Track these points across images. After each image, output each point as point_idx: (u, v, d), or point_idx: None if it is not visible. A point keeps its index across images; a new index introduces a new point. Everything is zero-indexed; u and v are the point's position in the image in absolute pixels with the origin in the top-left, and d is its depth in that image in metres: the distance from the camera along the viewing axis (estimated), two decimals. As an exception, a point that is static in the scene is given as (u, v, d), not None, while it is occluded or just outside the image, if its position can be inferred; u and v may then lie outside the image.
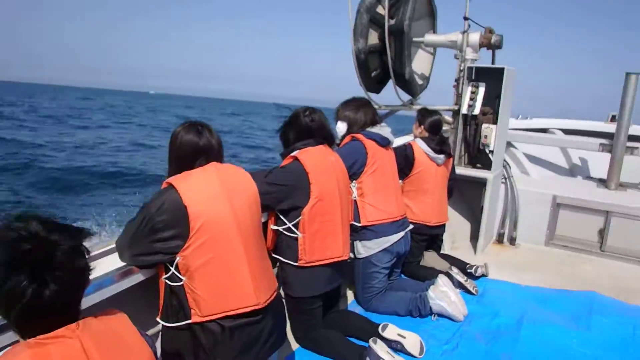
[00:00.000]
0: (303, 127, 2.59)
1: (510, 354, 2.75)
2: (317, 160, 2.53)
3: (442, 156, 3.64)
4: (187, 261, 1.80)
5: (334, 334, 2.68)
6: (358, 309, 3.17)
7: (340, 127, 3.13)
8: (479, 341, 2.88)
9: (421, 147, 3.60)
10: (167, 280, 1.86)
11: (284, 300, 2.48)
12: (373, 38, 3.97)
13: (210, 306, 1.84)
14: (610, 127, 5.16)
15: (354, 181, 2.99)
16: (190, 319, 1.84)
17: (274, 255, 2.56)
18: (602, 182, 5.10)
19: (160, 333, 1.97)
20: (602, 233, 4.42)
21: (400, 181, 3.53)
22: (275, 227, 2.54)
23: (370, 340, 2.51)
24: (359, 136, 3.04)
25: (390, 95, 4.23)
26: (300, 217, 2.46)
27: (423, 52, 4.54)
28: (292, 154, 2.53)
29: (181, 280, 1.83)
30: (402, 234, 3.13)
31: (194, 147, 1.94)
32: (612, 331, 3.04)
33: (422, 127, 3.71)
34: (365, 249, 3.05)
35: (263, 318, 1.97)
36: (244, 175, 2.06)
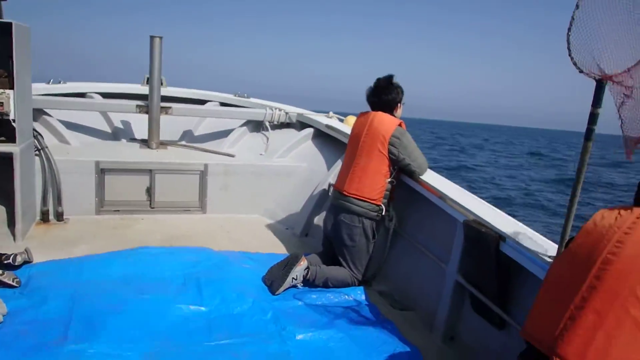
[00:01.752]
0: None
1: (63, 339, 2.48)
2: None
3: None
4: None
5: None
6: None
7: None
8: (27, 337, 2.48)
9: None
10: None
11: None
12: None
13: None
14: (147, 89, 5.30)
15: None
16: None
17: None
18: (145, 143, 5.25)
19: None
20: (150, 191, 4.57)
21: None
22: None
23: None
24: None
25: None
26: None
27: None
28: None
29: None
30: None
31: None
32: (162, 273, 3.21)
33: None
34: None
35: None
36: None
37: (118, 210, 4.52)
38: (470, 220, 2.75)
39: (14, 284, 2.97)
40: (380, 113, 3.46)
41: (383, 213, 3.39)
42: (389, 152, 3.33)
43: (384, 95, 3.47)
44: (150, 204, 4.60)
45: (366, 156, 3.37)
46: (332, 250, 3.53)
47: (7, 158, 3.62)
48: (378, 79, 3.51)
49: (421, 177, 3.43)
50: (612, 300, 1.57)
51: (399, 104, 3.53)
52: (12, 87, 3.55)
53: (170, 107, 5.35)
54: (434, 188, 3.26)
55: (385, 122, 3.39)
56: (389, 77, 3.50)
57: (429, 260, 3.28)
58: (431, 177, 3.44)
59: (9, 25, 3.44)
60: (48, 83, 5.91)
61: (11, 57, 3.48)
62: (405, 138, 3.38)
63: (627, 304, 1.54)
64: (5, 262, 3.15)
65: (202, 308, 2.90)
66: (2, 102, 3.48)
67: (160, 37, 4.97)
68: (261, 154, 5.35)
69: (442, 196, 3.14)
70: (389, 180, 3.39)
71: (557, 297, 1.74)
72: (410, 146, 3.39)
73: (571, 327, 1.63)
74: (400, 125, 3.41)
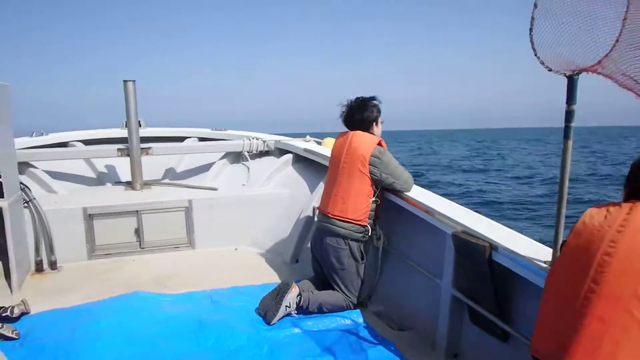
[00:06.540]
0: None
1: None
2: None
3: None
4: None
5: None
6: None
7: None
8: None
9: None
10: None
11: None
12: None
13: None
14: (126, 132, 5.40)
15: None
16: None
17: None
18: (129, 184, 5.34)
19: None
20: (138, 231, 4.64)
21: None
22: None
23: None
24: None
25: None
26: None
27: None
28: None
29: None
30: None
31: None
32: (156, 319, 3.22)
33: None
34: None
35: None
36: None
37: (109, 254, 4.57)
38: (458, 232, 2.70)
39: (13, 336, 3.01)
40: (359, 132, 3.45)
41: (369, 233, 3.41)
42: (370, 172, 3.32)
43: (358, 114, 3.48)
44: (140, 244, 4.67)
45: (347, 177, 3.38)
46: (324, 273, 3.56)
47: None
48: (355, 99, 3.55)
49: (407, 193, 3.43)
50: (614, 305, 1.48)
51: (374, 123, 3.52)
52: (-5, 145, 3.63)
53: (150, 148, 5.45)
54: (419, 202, 3.24)
55: (364, 142, 3.38)
56: (365, 97, 3.53)
57: (423, 276, 3.25)
58: (416, 192, 3.42)
59: None
60: (31, 136, 6.00)
61: None
62: (386, 157, 3.36)
63: (631, 307, 1.46)
64: (4, 314, 3.20)
65: (198, 351, 2.89)
66: (-14, 160, 3.56)
67: (133, 81, 5.09)
68: (243, 185, 5.45)
69: (428, 210, 3.10)
70: (373, 199, 3.38)
71: (558, 307, 1.66)
72: (392, 164, 3.37)
73: (575, 338, 1.54)
74: (379, 144, 3.40)
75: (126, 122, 5.37)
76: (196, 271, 4.29)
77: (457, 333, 2.90)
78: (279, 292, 3.27)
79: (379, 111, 3.57)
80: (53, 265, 4.32)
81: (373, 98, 3.57)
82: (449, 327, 2.89)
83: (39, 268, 4.29)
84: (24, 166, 4.95)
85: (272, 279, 4.07)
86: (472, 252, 2.57)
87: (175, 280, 4.05)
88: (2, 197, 3.70)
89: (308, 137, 5.89)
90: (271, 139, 6.03)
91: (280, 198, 5.09)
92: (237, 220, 4.93)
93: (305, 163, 5.38)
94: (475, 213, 3.00)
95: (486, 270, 2.49)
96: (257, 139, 5.91)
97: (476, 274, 2.59)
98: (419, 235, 3.40)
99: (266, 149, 5.92)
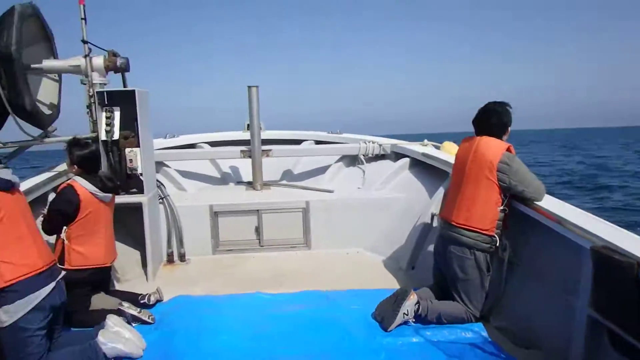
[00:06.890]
0: None
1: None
2: None
3: (110, 194, 3.43)
4: None
5: None
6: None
7: None
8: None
9: (85, 187, 3.25)
10: None
11: None
12: (-27, 65, 3.32)
13: None
14: (248, 135, 5.69)
15: None
16: None
17: None
18: (250, 185, 5.61)
19: None
20: (258, 230, 4.85)
21: (65, 227, 3.23)
22: None
23: None
24: None
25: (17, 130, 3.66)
26: None
27: (47, 79, 4.05)
28: None
29: None
30: (53, 284, 2.66)
31: None
32: (276, 318, 3.32)
33: (74, 164, 3.35)
34: (9, 314, 2.48)
35: None
36: None
37: (231, 250, 4.83)
38: (598, 247, 2.45)
39: (150, 320, 3.30)
40: (486, 137, 3.27)
41: (497, 244, 3.20)
42: (499, 179, 3.12)
43: (495, 118, 3.30)
44: (260, 242, 4.87)
45: (473, 184, 3.22)
46: (444, 282, 3.43)
47: (138, 207, 4.06)
48: (492, 102, 3.38)
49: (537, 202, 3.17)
50: None
51: (508, 129, 3.34)
52: (138, 145, 4.01)
53: (270, 150, 5.68)
54: (551, 213, 2.99)
55: (492, 147, 3.19)
56: (503, 102, 3.37)
57: (553, 292, 3.00)
58: (546, 201, 3.18)
59: (132, 93, 3.92)
60: (165, 137, 6.54)
61: (136, 119, 3.95)
62: (515, 163, 3.14)
63: None
64: (142, 301, 3.52)
65: (315, 351, 2.92)
66: (132, 159, 3.94)
67: (257, 86, 5.34)
68: (359, 188, 5.47)
69: (561, 221, 2.87)
70: (501, 208, 3.17)
71: None
72: (522, 171, 3.14)
73: None
74: (508, 149, 3.20)
75: (248, 125, 5.64)
76: (312, 271, 4.38)
77: (594, 357, 2.62)
78: (397, 299, 3.20)
79: (511, 117, 3.37)
80: (182, 257, 4.67)
81: (507, 104, 3.37)
82: (585, 350, 2.63)
83: (170, 259, 4.66)
84: (159, 165, 5.39)
85: (388, 284, 4.01)
86: (616, 270, 2.32)
87: (292, 279, 4.17)
88: (142, 193, 4.07)
89: (426, 141, 5.77)
90: (387, 142, 5.99)
91: (396, 202, 5.02)
92: (352, 223, 4.95)
93: (422, 167, 5.25)
94: (617, 227, 2.70)
95: (634, 291, 2.23)
96: (373, 143, 5.90)
97: (620, 294, 2.34)
98: (549, 248, 3.14)
99: (382, 152, 5.89)
